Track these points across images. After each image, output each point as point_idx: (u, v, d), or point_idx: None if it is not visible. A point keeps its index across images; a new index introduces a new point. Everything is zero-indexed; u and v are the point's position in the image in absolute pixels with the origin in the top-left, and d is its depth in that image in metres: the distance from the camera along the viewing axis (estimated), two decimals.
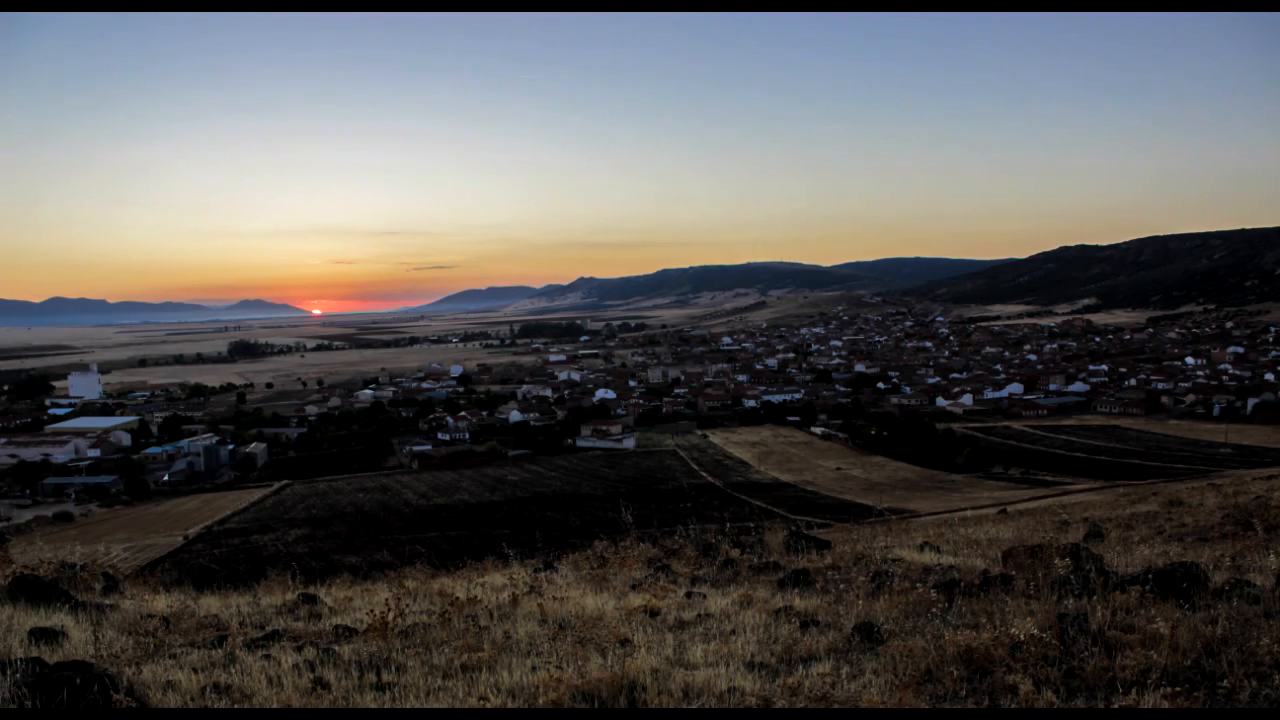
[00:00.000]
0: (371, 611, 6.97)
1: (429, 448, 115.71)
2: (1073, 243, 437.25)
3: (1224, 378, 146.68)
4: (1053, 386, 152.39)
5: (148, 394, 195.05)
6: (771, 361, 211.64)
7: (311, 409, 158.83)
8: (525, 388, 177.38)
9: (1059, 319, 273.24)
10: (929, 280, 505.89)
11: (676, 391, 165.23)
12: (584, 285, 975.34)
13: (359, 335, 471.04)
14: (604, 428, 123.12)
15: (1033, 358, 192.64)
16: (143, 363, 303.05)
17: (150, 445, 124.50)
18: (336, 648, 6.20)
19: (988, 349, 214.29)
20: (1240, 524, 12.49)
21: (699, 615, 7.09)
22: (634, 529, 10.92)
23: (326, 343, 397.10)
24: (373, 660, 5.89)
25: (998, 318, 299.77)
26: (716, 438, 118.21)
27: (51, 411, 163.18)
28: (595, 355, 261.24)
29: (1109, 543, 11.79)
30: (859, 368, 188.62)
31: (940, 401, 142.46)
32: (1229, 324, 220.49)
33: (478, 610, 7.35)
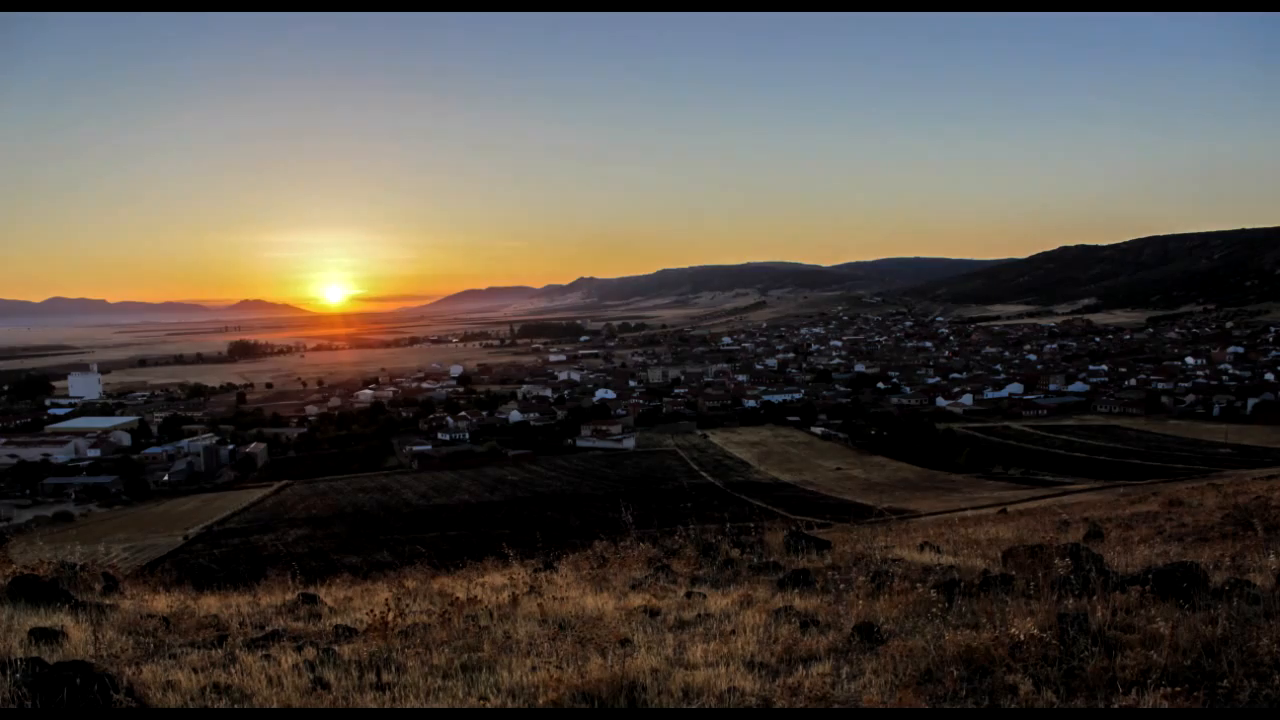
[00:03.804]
0: (371, 611, 6.97)
1: (429, 448, 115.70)
2: (1073, 243, 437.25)
3: (1224, 378, 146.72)
4: (1053, 386, 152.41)
5: (148, 394, 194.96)
6: (771, 361, 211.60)
7: (311, 409, 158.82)
8: (525, 388, 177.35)
9: (1059, 319, 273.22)
10: (929, 280, 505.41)
11: (676, 391, 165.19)
12: (584, 285, 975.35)
13: (359, 335, 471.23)
14: (604, 428, 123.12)
15: (1033, 358, 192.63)
16: (143, 363, 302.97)
17: (150, 445, 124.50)
18: (336, 648, 6.20)
19: (988, 349, 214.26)
20: (1240, 524, 12.51)
21: (699, 615, 7.08)
22: (634, 529, 10.91)
23: (326, 343, 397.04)
24: (373, 660, 5.89)
25: (998, 318, 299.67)
26: (716, 438, 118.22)
27: (51, 411, 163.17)
28: (595, 355, 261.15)
29: (1109, 543, 11.80)
30: (859, 368, 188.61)
31: (940, 401, 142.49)
32: (1229, 324, 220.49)
33: (478, 610, 7.35)
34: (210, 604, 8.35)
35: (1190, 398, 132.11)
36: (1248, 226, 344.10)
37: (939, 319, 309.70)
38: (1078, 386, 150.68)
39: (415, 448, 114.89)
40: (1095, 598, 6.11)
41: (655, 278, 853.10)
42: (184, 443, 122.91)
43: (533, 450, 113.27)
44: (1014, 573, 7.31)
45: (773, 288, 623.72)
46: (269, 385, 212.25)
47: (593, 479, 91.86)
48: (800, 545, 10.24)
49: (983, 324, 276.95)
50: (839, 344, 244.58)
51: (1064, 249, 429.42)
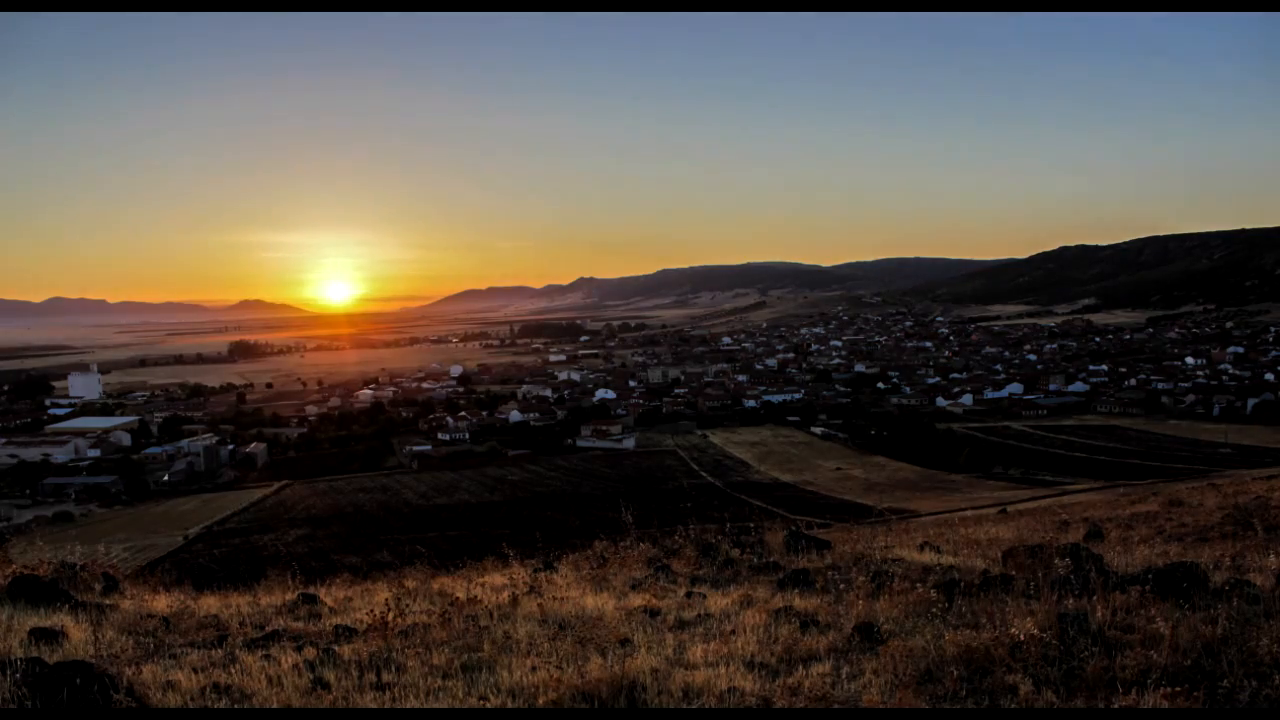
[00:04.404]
0: (371, 611, 6.98)
1: (429, 448, 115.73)
2: (1073, 243, 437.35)
3: (1224, 378, 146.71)
4: (1053, 386, 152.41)
5: (148, 394, 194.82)
6: (771, 361, 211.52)
7: (311, 409, 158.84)
8: (525, 388, 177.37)
9: (1059, 319, 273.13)
10: (929, 280, 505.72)
11: (676, 391, 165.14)
12: (584, 285, 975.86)
13: (359, 335, 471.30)
14: (604, 428, 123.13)
15: (1033, 358, 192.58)
16: (143, 363, 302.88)
17: (150, 445, 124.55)
18: (336, 648, 6.20)
19: (988, 349, 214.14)
20: (1240, 524, 12.53)
21: (699, 615, 7.09)
22: (634, 529, 10.91)
23: (326, 343, 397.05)
24: (373, 660, 5.89)
25: (998, 318, 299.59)
26: (716, 438, 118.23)
27: (51, 411, 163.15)
28: (595, 355, 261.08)
29: (1109, 543, 11.81)
30: (859, 368, 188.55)
31: (940, 401, 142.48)
32: (1229, 324, 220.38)
33: (478, 610, 7.35)
34: (210, 604, 8.36)
35: (1190, 398, 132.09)
36: (1248, 226, 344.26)
37: (939, 319, 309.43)
38: (1078, 386, 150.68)
39: (415, 448, 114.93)
40: (1095, 598, 6.11)
41: (655, 278, 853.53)
42: (184, 443, 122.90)
43: (533, 450, 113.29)
44: (1014, 573, 7.32)
45: (773, 288, 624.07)
46: (269, 385, 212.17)
47: (593, 479, 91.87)
48: (800, 545, 10.25)
49: (983, 324, 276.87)
50: (839, 344, 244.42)
51: (1064, 249, 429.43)
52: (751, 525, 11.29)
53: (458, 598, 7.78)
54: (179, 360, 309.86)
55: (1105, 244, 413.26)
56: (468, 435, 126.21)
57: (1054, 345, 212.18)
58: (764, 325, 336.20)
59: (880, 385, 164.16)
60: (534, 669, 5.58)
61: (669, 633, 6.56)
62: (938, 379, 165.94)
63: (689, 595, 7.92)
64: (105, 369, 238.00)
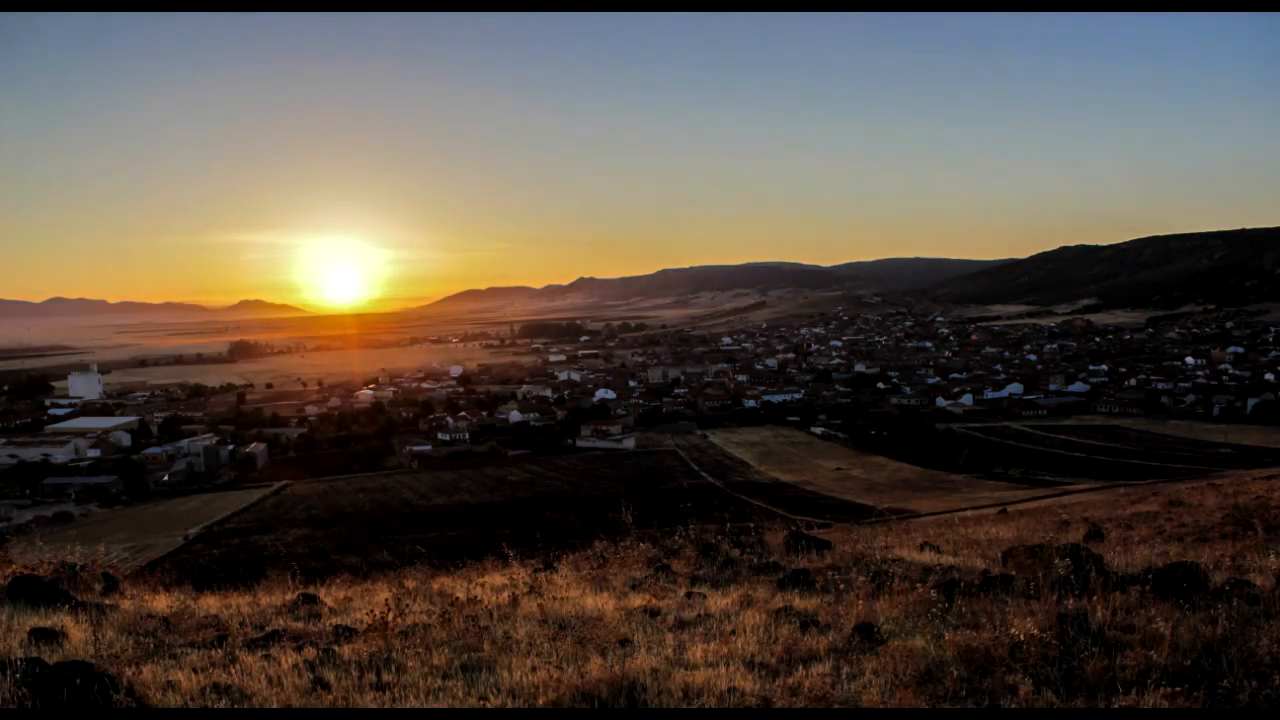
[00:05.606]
0: (371, 611, 6.97)
1: (429, 448, 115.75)
2: (1073, 243, 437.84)
3: (1224, 378, 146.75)
4: (1053, 386, 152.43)
5: (148, 394, 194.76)
6: (771, 361, 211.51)
7: (311, 409, 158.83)
8: (525, 388, 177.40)
9: (1059, 319, 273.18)
10: (929, 280, 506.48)
11: (676, 391, 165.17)
12: (584, 285, 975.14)
13: (359, 335, 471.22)
14: (604, 428, 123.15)
15: (1033, 358, 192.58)
16: (143, 363, 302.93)
17: (150, 445, 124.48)
18: (336, 648, 6.20)
19: (988, 349, 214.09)
20: (1240, 524, 12.53)
21: (699, 615, 7.09)
22: (634, 529, 10.91)
23: (326, 343, 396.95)
24: (373, 660, 5.89)
25: (998, 318, 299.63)
26: (716, 438, 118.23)
27: (51, 412, 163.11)
28: (595, 355, 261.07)
29: (1109, 543, 11.81)
30: (859, 368, 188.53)
31: (940, 401, 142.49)
32: (1229, 324, 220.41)
33: (478, 610, 7.35)
34: (210, 604, 8.35)
35: (1190, 398, 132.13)
36: (1248, 226, 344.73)
37: (939, 319, 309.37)
38: (1078, 386, 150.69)
39: (415, 448, 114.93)
40: (1095, 598, 6.12)
41: (655, 278, 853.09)
42: (184, 443, 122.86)
43: (533, 450, 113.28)
44: (1014, 573, 7.32)
45: (773, 288, 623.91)
46: (269, 385, 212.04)
47: (593, 479, 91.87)
48: (800, 545, 10.25)
49: (983, 324, 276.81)
50: (839, 344, 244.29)
51: (1064, 249, 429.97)
52: (751, 525, 11.28)
53: (458, 598, 7.78)
54: (179, 360, 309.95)
55: (1105, 244, 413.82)
56: (468, 435, 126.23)
57: (1054, 345, 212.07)
58: (764, 325, 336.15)
59: (880, 385, 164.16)
60: (534, 669, 5.58)
61: (669, 633, 6.56)
62: (938, 379, 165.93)
63: (689, 595, 7.92)
64: (105, 369, 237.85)
